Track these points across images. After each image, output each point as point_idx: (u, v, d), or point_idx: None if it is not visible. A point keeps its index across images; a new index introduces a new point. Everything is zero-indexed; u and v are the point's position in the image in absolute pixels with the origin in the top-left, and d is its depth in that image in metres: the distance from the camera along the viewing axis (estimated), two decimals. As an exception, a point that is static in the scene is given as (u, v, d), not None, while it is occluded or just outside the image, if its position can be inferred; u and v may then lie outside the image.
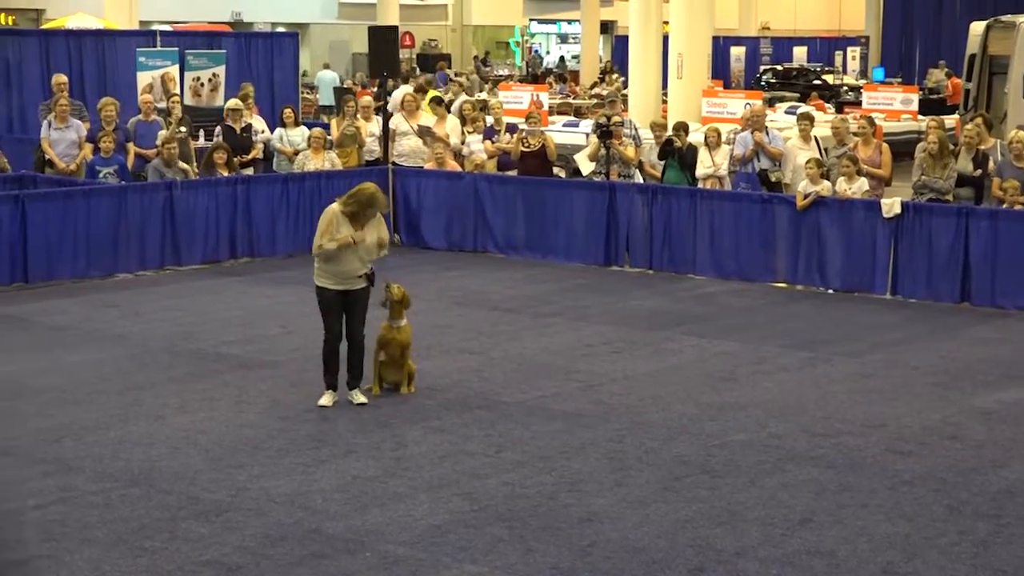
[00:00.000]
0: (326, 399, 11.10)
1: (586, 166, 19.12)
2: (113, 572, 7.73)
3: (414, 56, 49.00)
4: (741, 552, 8.07)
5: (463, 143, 20.01)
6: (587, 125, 20.63)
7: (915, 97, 27.72)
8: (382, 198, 11.06)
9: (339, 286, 11.08)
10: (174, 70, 22.51)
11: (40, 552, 8.02)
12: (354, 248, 10.98)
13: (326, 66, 40.41)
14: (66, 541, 8.18)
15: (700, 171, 18.00)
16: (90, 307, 15.15)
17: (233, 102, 20.30)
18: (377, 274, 11.33)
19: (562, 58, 56.17)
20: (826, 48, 50.74)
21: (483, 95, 33.00)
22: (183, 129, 19.51)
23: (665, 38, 26.13)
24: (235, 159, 18.80)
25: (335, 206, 11.03)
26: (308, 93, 34.84)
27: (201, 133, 21.05)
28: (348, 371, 11.22)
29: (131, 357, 12.85)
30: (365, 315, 11.27)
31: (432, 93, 23.96)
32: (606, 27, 53.54)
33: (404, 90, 23.42)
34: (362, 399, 11.15)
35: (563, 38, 61.23)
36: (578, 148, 20.07)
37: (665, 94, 26.41)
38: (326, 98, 36.02)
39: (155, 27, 30.86)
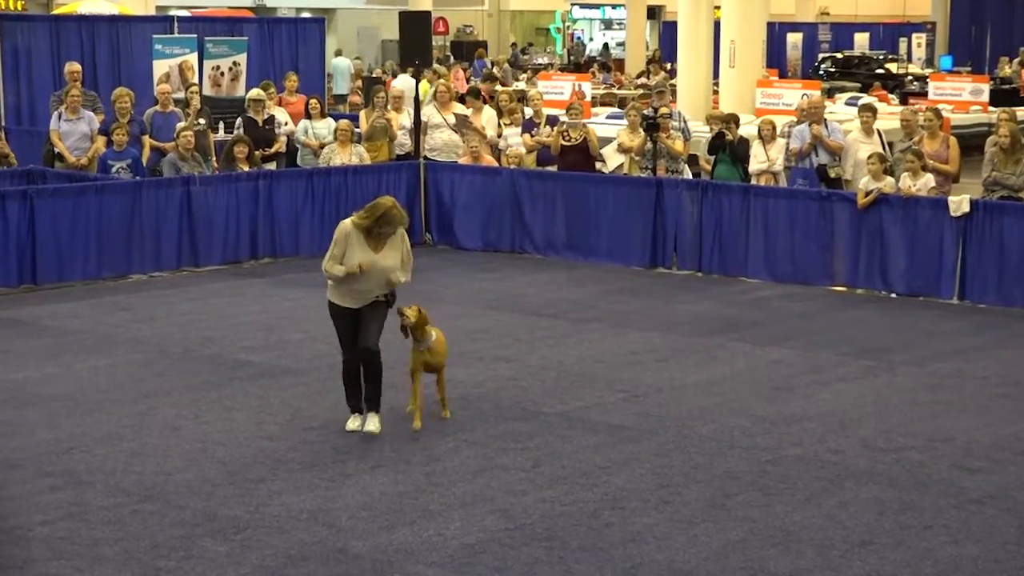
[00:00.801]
0: (352, 423, 10.79)
1: (613, 160, 19.11)
2: (125, 593, 7.75)
3: (448, 43, 49.11)
4: (797, 574, 8.03)
5: (500, 136, 20.04)
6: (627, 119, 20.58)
7: (985, 87, 27.62)
8: (400, 213, 10.55)
9: (351, 304, 10.68)
10: (192, 58, 22.68)
11: (47, 571, 8.03)
12: (366, 272, 10.53)
13: (338, 53, 40.38)
14: (75, 560, 8.20)
15: (753, 167, 17.96)
16: (102, 310, 15.23)
17: (255, 92, 20.39)
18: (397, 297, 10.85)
19: (606, 45, 56.23)
20: (889, 35, 50.50)
21: (520, 85, 33.05)
22: (202, 121, 19.60)
23: (716, 24, 26.13)
24: (257, 153, 18.89)
25: (349, 221, 10.62)
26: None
27: (221, 125, 21.15)
28: (364, 391, 10.82)
29: (145, 364, 12.90)
30: (380, 325, 10.76)
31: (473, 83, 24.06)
32: (653, 12, 53.46)
33: (405, 80, 23.66)
34: (374, 427, 10.70)
35: (607, 24, 61.28)
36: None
37: (716, 84, 26.38)
38: (340, 87, 36.12)
39: (172, 12, 31.09)
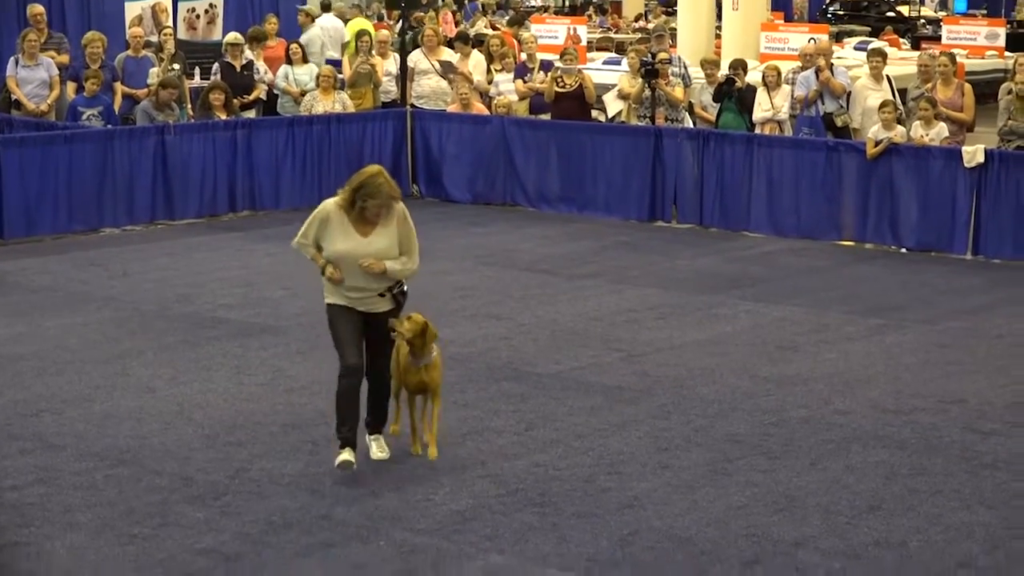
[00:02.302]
0: (345, 456, 8.96)
1: (613, 107, 19.08)
2: (98, 561, 7.78)
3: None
4: (801, 542, 8.07)
5: (490, 83, 19.99)
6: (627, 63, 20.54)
7: (1002, 31, 27.52)
8: (386, 183, 8.84)
9: (353, 304, 9.09)
10: (166, 0, 22.54)
11: (18, 539, 8.06)
12: (351, 266, 8.99)
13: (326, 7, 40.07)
14: (46, 526, 8.22)
15: (758, 115, 17.94)
16: (73, 266, 15.22)
17: (232, 36, 20.32)
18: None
19: (602, -13, 55.95)
20: (901, -25, 50.36)
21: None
22: (176, 67, 19.56)
23: (719, -37, 26.01)
24: (234, 100, 18.82)
25: (332, 200, 9.03)
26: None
27: (197, 71, 21.07)
28: (368, 412, 9.35)
29: (118, 322, 12.91)
30: (392, 348, 9.32)
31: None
32: (652, -49, 53.20)
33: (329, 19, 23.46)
34: (384, 454, 9.30)
35: (604, -36, 60.93)
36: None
37: (719, 28, 26.30)
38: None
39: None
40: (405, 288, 9.17)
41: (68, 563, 7.75)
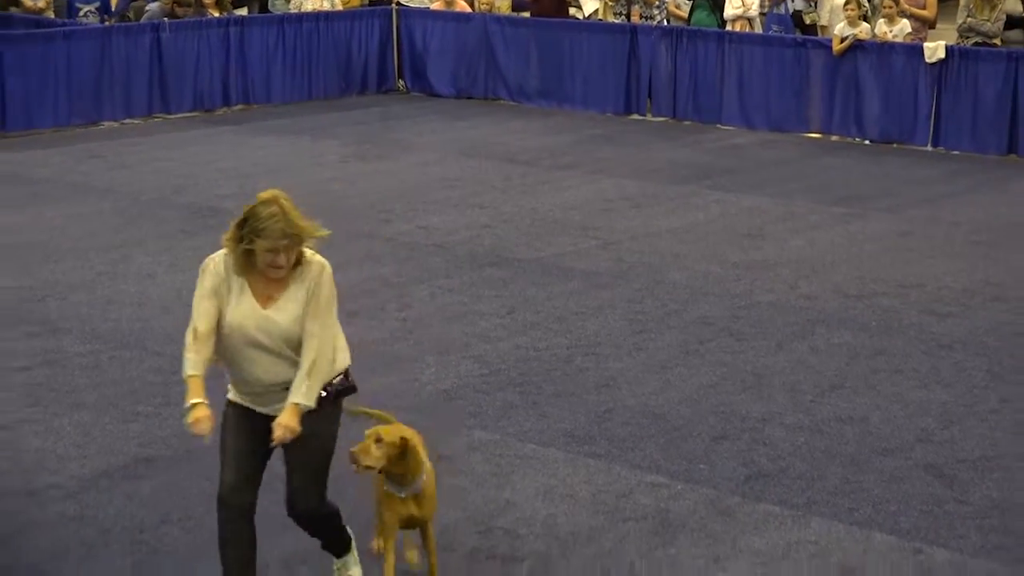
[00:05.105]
0: None
1: (589, 5, 18.96)
2: (103, 438, 7.83)
3: None
4: (767, 419, 8.13)
5: (473, -19, 19.84)
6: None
7: (963, -69, 27.31)
8: (279, 218, 5.47)
9: (252, 405, 5.76)
10: None
11: (27, 417, 8.10)
12: (253, 354, 5.64)
13: None
14: (54, 406, 8.26)
15: (728, 12, 17.83)
16: (73, 158, 15.15)
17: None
18: (343, 390, 5.94)
19: None
20: None
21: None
22: None
23: None
24: (227, -2, 18.68)
25: (216, 255, 5.74)
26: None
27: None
28: (323, 545, 6.13)
29: (118, 212, 12.88)
30: (320, 462, 5.77)
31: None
32: None
33: None
34: (357, 573, 6.17)
35: None
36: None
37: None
38: None
39: None
40: (347, 381, 5.86)
41: (76, 439, 7.79)
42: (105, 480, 7.27)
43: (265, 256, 5.47)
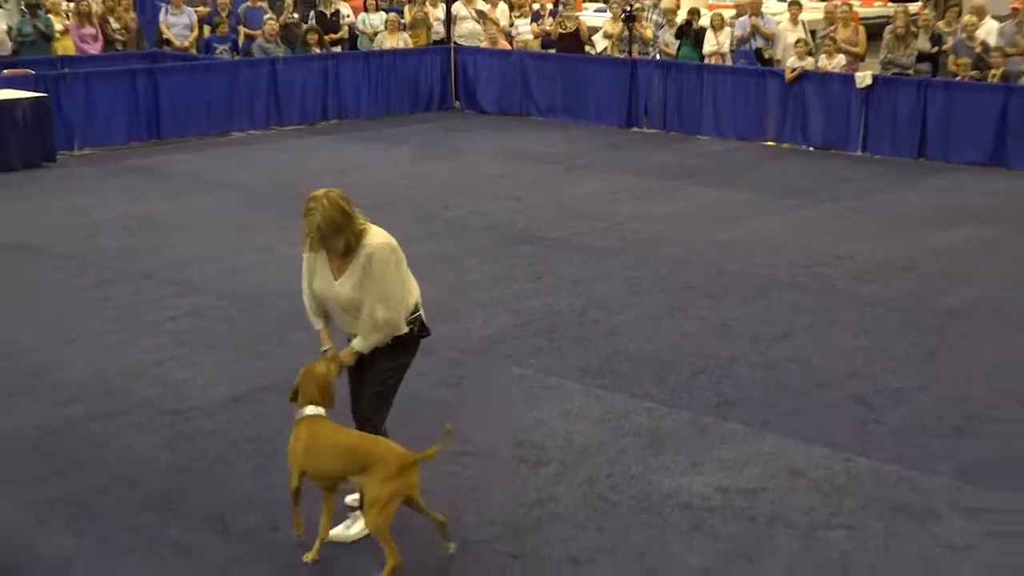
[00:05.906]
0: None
1: (600, 43, 19.00)
2: (235, 370, 7.87)
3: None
4: (734, 359, 8.12)
5: (512, 26, 19.79)
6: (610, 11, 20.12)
7: (886, -13, 27.01)
8: (316, 209, 5.19)
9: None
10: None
11: (174, 355, 8.15)
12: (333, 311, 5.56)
13: None
14: (196, 347, 8.31)
15: (706, 49, 17.74)
16: (210, 159, 15.18)
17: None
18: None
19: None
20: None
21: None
22: (296, 15, 19.46)
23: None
24: (325, 39, 18.66)
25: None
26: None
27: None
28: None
29: (243, 201, 12.91)
30: (381, 382, 5.53)
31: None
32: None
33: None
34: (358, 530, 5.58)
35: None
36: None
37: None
38: None
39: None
40: (420, 327, 5.57)
41: (212, 372, 7.83)
42: (233, 403, 7.31)
43: (323, 241, 5.22)
